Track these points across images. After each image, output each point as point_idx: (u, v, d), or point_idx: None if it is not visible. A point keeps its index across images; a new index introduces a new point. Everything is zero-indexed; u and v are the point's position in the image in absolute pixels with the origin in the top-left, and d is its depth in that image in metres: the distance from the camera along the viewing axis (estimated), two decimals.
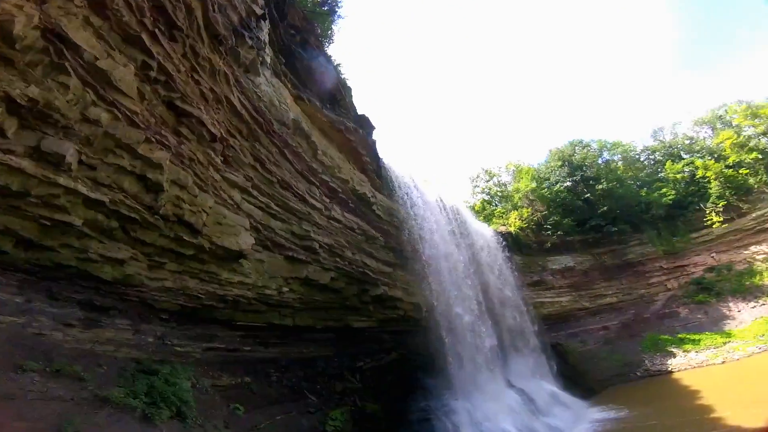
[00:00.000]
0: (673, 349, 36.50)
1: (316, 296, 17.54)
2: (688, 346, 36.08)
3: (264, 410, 14.10)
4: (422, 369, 20.79)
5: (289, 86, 16.15)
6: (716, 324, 37.81)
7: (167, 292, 11.52)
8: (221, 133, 11.96)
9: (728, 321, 37.57)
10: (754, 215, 41.68)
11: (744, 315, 37.13)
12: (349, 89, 22.35)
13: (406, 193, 24.08)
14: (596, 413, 25.92)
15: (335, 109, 19.73)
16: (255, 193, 14.38)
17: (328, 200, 18.38)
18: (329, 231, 18.17)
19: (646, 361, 36.26)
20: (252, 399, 14.18)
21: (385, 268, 21.85)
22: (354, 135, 19.91)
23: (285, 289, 15.78)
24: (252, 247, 13.78)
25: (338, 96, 20.59)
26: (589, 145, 49.30)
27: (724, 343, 34.91)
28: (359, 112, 22.06)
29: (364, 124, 21.60)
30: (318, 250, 16.97)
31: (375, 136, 22.59)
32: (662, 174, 46.90)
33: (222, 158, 12.60)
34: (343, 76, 22.66)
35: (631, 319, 42.41)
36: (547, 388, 27.05)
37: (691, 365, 33.73)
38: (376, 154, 22.66)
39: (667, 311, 41.88)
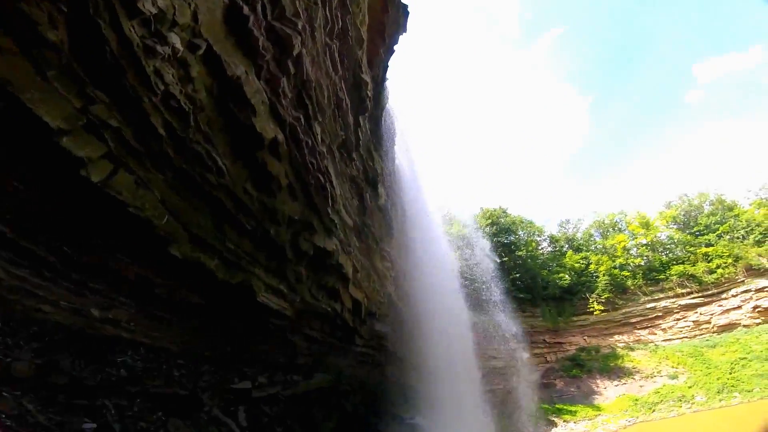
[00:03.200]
0: (553, 419, 38.12)
1: (230, 165, 8.78)
2: (567, 417, 38.14)
3: None
4: (374, 412, 16.06)
5: None
6: (587, 398, 41.14)
7: None
8: None
9: (596, 396, 41.23)
10: (623, 311, 48.77)
11: (609, 392, 41.24)
12: None
13: (393, 143, 20.17)
14: None
15: None
16: None
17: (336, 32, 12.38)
18: (316, 64, 11.09)
19: (531, 430, 37.02)
20: None
21: (345, 216, 14.92)
22: (391, 8, 15.33)
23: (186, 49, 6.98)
24: None
25: None
26: (510, 216, 54.04)
27: (596, 416, 37.79)
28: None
29: (401, 14, 16.38)
30: (288, 61, 9.28)
31: None
32: (563, 260, 52.99)
33: None
34: None
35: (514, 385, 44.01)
36: None
37: None
38: (387, 64, 17.29)
39: (545, 381, 44.51)
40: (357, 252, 16.71)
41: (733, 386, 34.79)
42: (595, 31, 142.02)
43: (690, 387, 37.20)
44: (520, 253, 49.59)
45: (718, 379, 36.40)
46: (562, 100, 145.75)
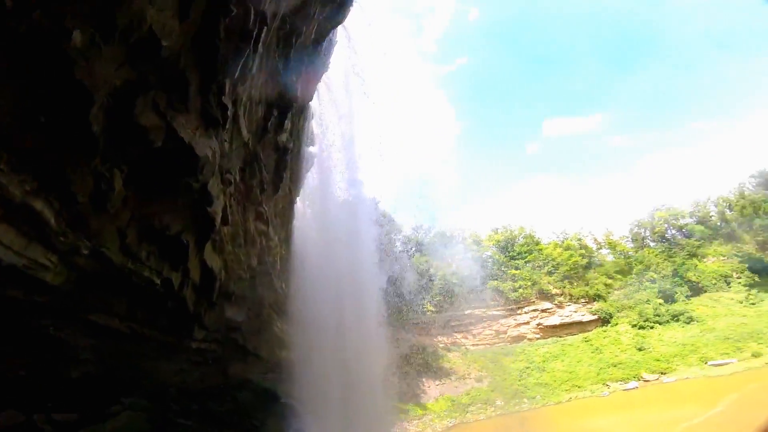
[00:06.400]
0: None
1: None
2: (401, 415, 41.20)
3: None
4: None
5: None
6: (415, 396, 45.57)
7: None
8: None
9: (422, 394, 46.17)
10: (447, 314, 55.92)
11: (433, 391, 46.83)
12: None
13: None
14: None
15: None
16: None
17: None
18: None
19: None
20: None
21: (243, 121, 10.05)
22: None
23: None
24: None
25: None
26: (379, 209, 53.44)
27: (423, 415, 42.33)
28: None
29: None
30: None
31: None
32: (412, 260, 56.19)
33: None
34: None
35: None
36: None
37: None
38: None
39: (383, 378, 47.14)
40: (234, 193, 10.79)
41: (522, 392, 44.55)
42: (486, 69, 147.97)
43: (492, 391, 45.72)
44: (381, 247, 50.01)
45: (511, 385, 45.99)
46: (443, 120, 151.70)
